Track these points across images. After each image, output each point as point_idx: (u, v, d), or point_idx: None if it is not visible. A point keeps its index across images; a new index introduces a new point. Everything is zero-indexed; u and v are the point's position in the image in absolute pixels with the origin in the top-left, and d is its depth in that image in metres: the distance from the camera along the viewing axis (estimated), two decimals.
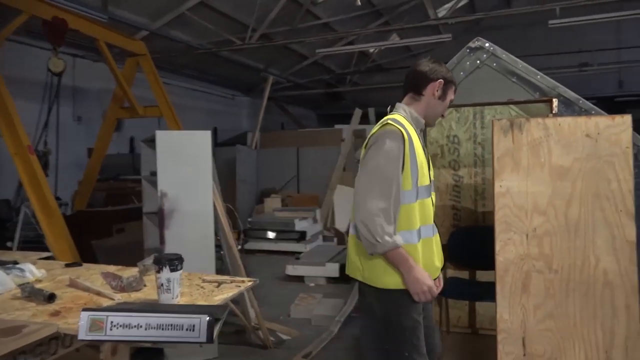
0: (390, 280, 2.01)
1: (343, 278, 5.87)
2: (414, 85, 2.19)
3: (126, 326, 1.44)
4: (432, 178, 2.20)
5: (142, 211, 4.39)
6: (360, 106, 9.77)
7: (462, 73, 2.72)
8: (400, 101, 2.24)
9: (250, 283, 2.06)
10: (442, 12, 11.91)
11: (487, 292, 2.90)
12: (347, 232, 8.24)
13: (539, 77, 2.61)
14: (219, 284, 2.04)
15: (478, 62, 2.68)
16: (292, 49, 12.32)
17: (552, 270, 2.46)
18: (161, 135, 3.71)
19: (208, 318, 1.44)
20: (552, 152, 2.51)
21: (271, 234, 7.66)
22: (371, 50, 14.59)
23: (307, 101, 17.38)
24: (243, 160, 9.17)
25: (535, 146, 2.54)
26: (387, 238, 1.93)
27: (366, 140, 2.13)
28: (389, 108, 2.23)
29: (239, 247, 4.43)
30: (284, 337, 4.20)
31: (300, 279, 5.92)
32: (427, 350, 2.10)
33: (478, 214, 3.81)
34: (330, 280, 5.92)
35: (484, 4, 12.77)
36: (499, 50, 2.67)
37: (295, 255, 6.48)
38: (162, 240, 3.71)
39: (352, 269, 2.14)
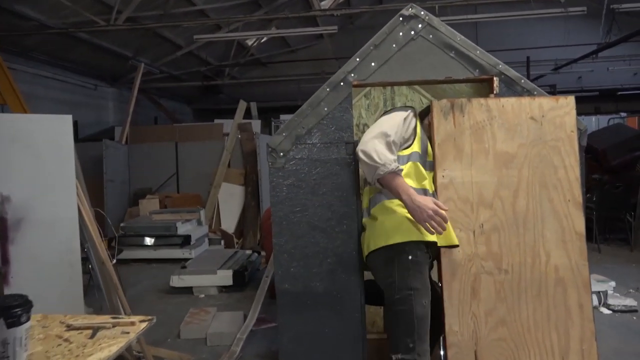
0: (395, 235, 2.06)
1: (236, 286, 5.27)
2: None
3: None
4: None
5: None
6: (239, 101, 9.15)
7: (394, 45, 2.30)
8: None
9: (144, 325, 1.42)
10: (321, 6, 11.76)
11: None
12: (235, 233, 7.66)
13: (478, 52, 2.30)
14: (94, 330, 1.36)
15: (412, 32, 2.30)
16: (164, 36, 11.26)
17: (502, 270, 2.17)
18: (1, 121, 2.78)
19: None
20: (496, 136, 2.23)
21: (149, 240, 6.71)
22: (250, 42, 13.98)
23: (181, 94, 16.18)
24: (111, 157, 8.00)
25: (478, 130, 2.24)
26: (388, 158, 2.00)
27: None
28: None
29: (114, 260, 3.60)
30: None
31: (188, 290, 5.16)
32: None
33: None
34: (222, 289, 5.26)
35: (359, 2, 12.91)
36: (436, 21, 2.31)
37: (181, 263, 5.68)
38: (4, 260, 2.80)
39: (365, 250, 2.22)
